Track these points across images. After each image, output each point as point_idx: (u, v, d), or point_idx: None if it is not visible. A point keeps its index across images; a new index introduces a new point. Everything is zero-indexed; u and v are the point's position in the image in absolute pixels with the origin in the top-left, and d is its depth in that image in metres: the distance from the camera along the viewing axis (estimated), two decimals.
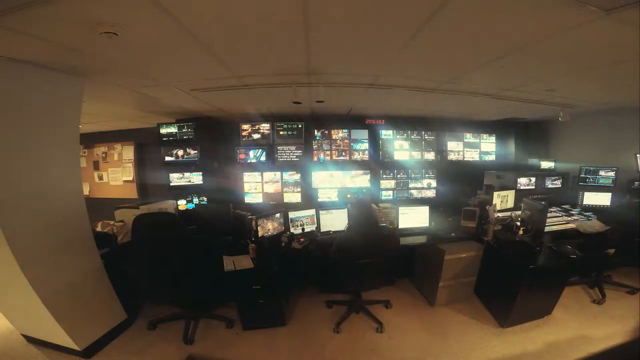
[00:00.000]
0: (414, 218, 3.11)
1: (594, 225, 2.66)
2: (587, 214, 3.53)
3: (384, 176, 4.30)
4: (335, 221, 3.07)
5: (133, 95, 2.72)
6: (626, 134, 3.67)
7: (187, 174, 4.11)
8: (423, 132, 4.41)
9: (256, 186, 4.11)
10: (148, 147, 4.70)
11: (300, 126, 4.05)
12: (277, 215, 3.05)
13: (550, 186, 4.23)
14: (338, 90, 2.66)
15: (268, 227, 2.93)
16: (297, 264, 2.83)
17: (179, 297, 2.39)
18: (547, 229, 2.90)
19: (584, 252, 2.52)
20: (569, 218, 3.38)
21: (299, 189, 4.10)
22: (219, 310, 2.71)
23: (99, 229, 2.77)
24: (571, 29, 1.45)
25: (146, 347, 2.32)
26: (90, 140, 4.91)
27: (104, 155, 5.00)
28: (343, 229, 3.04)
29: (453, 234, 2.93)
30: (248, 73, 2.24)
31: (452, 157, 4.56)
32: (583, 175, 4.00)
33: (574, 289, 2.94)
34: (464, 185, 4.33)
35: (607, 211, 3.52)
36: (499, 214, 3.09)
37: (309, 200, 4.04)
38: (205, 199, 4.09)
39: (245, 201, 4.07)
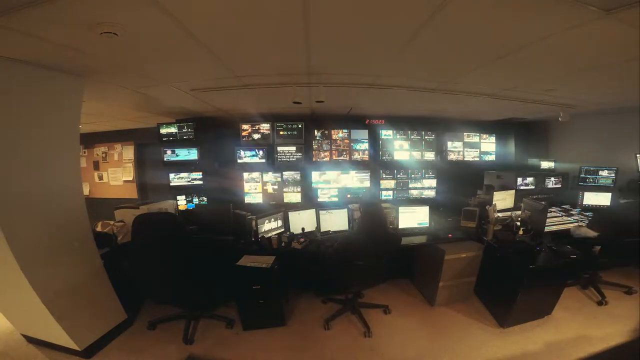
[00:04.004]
0: (414, 218, 3.11)
1: (585, 232, 2.68)
2: (587, 214, 3.53)
3: (384, 176, 4.31)
4: (335, 221, 3.07)
5: (133, 95, 2.72)
6: (626, 134, 3.67)
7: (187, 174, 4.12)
8: (423, 132, 4.41)
9: (256, 186, 4.11)
10: (148, 147, 4.70)
11: (300, 126, 4.05)
12: (277, 215, 3.05)
13: (550, 186, 4.23)
14: (338, 90, 2.66)
15: (268, 227, 2.93)
16: (297, 264, 2.83)
17: (178, 297, 2.39)
18: (547, 229, 2.90)
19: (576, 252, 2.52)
20: (569, 218, 3.38)
21: (299, 189, 4.11)
22: (219, 310, 2.71)
23: (99, 229, 2.77)
24: (571, 29, 1.45)
25: (146, 347, 2.32)
26: (90, 140, 4.91)
27: (104, 155, 5.01)
28: (345, 229, 3.05)
29: (450, 235, 2.93)
30: (248, 73, 2.24)
31: (452, 157, 4.55)
32: (583, 175, 4.00)
33: (572, 289, 2.93)
34: (463, 185, 4.33)
35: (603, 211, 3.49)
36: (499, 214, 3.09)
37: (309, 200, 4.04)
38: (205, 199, 4.09)
39: (245, 201, 4.07)
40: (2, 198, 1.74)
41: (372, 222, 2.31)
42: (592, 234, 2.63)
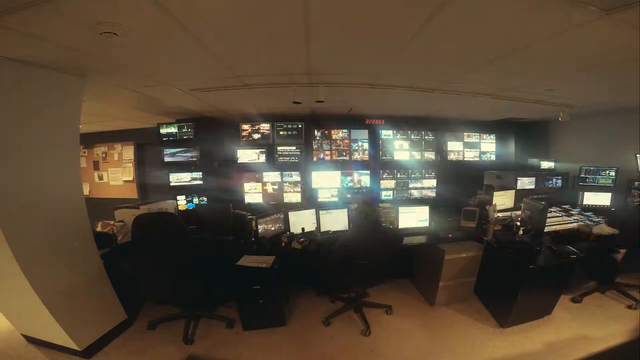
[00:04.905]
0: (414, 218, 3.11)
1: (604, 228, 2.66)
2: (587, 213, 3.53)
3: (384, 176, 4.31)
4: (335, 221, 3.07)
5: (133, 95, 2.72)
6: (626, 134, 3.67)
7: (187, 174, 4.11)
8: (423, 132, 4.42)
9: (256, 186, 4.11)
10: (148, 147, 4.70)
11: (300, 126, 4.05)
12: (277, 215, 3.05)
13: (550, 186, 4.23)
14: (338, 90, 2.66)
15: (268, 227, 2.93)
16: (297, 264, 2.83)
17: (178, 297, 2.39)
18: (547, 229, 2.90)
19: (594, 254, 2.50)
20: (569, 218, 3.38)
21: (299, 189, 4.10)
22: (219, 310, 2.71)
23: (99, 229, 2.77)
24: (571, 29, 1.45)
25: (146, 347, 2.32)
26: (90, 140, 4.92)
27: (104, 155, 5.01)
28: (345, 229, 3.05)
29: (450, 235, 2.93)
30: (248, 73, 2.24)
31: (452, 157, 4.56)
32: (583, 175, 4.00)
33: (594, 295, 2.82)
34: (463, 185, 4.34)
35: (612, 213, 3.45)
36: (499, 214, 3.09)
37: (309, 200, 4.04)
38: (205, 199, 4.09)
39: (246, 201, 4.07)
40: (2, 198, 1.74)
41: (366, 220, 2.38)
42: (611, 230, 2.60)
